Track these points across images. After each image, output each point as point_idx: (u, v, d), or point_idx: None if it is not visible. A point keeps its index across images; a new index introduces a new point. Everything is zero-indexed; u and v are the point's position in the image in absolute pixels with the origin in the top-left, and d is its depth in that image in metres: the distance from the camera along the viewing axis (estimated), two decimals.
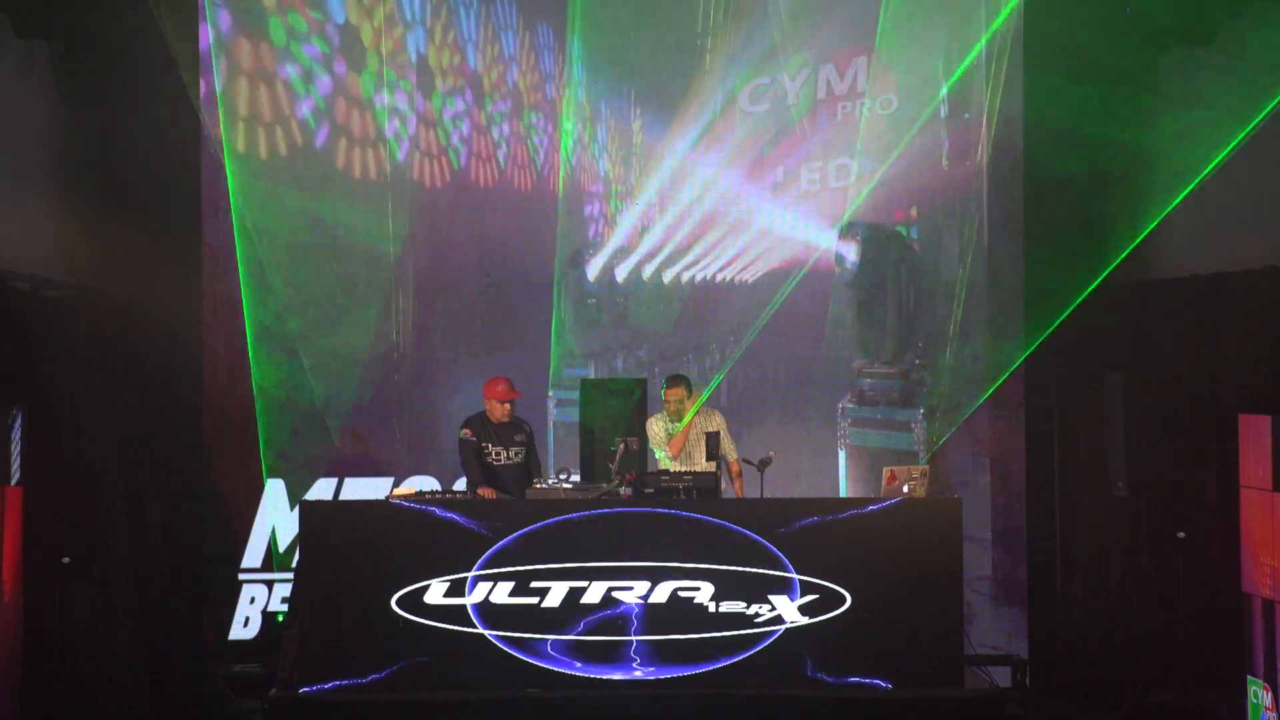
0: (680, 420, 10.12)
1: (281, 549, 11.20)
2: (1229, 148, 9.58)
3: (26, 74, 10.06)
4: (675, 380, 10.18)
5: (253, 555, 11.20)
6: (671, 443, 10.11)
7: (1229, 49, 9.88)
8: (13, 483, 8.93)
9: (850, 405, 12.08)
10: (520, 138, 12.07)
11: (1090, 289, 10.52)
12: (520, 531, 9.15)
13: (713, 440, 9.95)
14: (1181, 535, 9.72)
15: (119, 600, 9.74)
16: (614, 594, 9.19)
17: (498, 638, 9.13)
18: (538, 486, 9.62)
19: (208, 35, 11.03)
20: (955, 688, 9.26)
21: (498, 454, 9.98)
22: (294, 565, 10.16)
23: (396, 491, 9.95)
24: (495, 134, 12.03)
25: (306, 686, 9.08)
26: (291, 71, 11.33)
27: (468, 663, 9.12)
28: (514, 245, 11.93)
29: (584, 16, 11.98)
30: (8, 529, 8.84)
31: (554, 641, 9.15)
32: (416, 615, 9.12)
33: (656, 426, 10.19)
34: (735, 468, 10.17)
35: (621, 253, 12.21)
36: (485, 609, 9.13)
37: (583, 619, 9.16)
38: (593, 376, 12.05)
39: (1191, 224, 10.23)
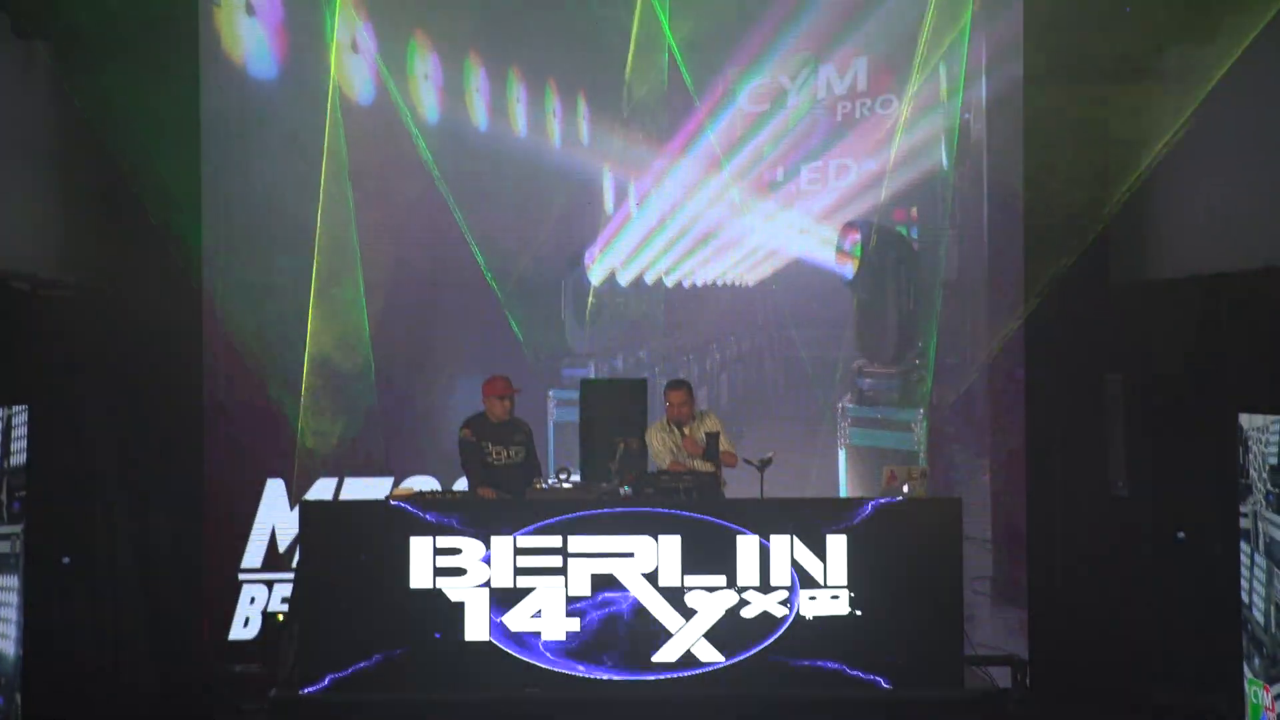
0: (682, 424, 10.01)
1: (281, 549, 11.20)
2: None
3: (26, 74, 10.06)
4: (677, 384, 10.15)
5: (253, 555, 11.21)
6: (686, 444, 9.98)
7: (1230, 47, 9.88)
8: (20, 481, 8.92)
9: (850, 405, 12.08)
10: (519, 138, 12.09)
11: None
12: (521, 531, 9.15)
13: (712, 442, 9.92)
14: (1181, 535, 9.71)
15: (119, 600, 9.74)
16: (614, 594, 9.19)
17: (498, 637, 9.13)
18: (538, 486, 9.62)
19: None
20: (955, 688, 9.25)
21: (498, 454, 9.97)
22: (294, 565, 10.16)
23: (396, 491, 9.94)
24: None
25: (306, 686, 9.08)
26: None
27: (468, 661, 9.12)
28: (508, 245, 11.96)
29: (584, 15, 11.99)
30: None
31: (554, 641, 9.15)
32: (417, 614, 9.11)
33: (657, 439, 10.06)
34: (732, 460, 10.00)
35: (621, 254, 12.20)
36: (486, 608, 9.13)
37: (583, 619, 9.16)
38: (593, 376, 12.05)
39: (1191, 224, 10.22)
